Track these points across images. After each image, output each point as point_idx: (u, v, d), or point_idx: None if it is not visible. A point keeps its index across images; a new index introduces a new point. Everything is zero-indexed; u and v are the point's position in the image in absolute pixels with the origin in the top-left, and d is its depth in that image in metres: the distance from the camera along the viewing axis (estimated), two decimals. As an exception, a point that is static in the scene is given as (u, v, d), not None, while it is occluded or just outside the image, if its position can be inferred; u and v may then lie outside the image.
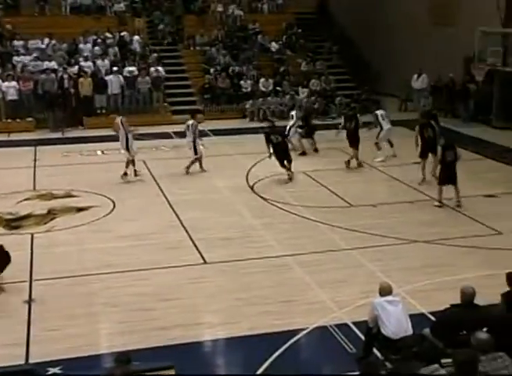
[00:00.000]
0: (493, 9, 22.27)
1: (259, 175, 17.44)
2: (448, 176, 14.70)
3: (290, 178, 17.02)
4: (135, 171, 17.36)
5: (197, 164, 17.82)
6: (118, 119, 17.55)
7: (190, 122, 17.76)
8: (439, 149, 14.99)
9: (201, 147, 18.01)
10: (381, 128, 18.80)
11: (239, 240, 12.97)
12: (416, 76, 25.88)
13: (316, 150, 19.90)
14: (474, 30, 22.44)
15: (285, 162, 17.15)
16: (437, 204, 14.83)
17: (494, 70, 22.65)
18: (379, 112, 19.32)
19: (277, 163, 17.17)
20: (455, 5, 25.24)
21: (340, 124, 19.01)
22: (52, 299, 10.51)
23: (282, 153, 17.23)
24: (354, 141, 18.22)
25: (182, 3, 30.06)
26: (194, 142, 17.56)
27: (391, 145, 19.29)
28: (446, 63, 24.70)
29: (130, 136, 17.27)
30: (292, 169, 17.16)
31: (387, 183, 16.92)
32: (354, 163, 18.16)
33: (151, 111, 24.75)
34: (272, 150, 17.22)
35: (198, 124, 17.79)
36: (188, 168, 17.62)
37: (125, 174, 17.08)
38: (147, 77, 24.59)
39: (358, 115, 18.95)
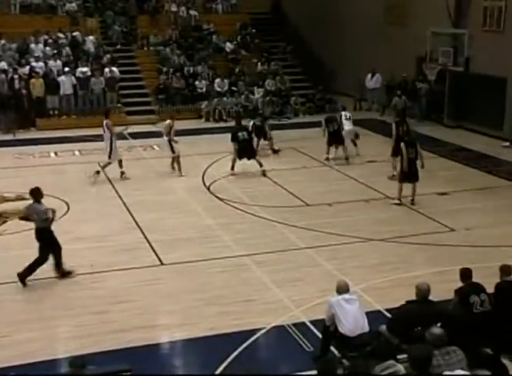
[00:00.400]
0: (444, 10, 22.64)
1: (215, 176, 17.42)
2: (408, 174, 14.93)
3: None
4: (122, 172, 17.35)
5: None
6: (104, 122, 17.45)
7: (166, 122, 17.77)
8: (402, 145, 15.19)
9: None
10: (342, 128, 18.98)
11: (197, 241, 12.93)
12: (369, 75, 26.19)
13: (275, 151, 19.89)
14: (426, 31, 22.80)
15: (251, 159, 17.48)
16: (396, 202, 15.03)
17: (445, 70, 23.04)
18: (343, 112, 19.55)
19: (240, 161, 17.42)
20: (408, 6, 25.59)
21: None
22: (5, 304, 10.33)
23: (248, 150, 17.44)
24: (340, 140, 18.78)
25: (136, 3, 29.81)
26: (170, 141, 17.52)
27: (355, 144, 19.45)
28: (399, 63, 25.04)
29: (114, 138, 17.31)
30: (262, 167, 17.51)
31: (343, 182, 17.06)
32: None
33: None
34: (237, 147, 17.39)
35: (174, 124, 17.74)
36: (172, 165, 17.73)
37: (98, 172, 17.12)
38: (101, 78, 24.33)
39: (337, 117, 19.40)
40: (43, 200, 11.27)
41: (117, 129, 17.67)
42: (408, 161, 14.81)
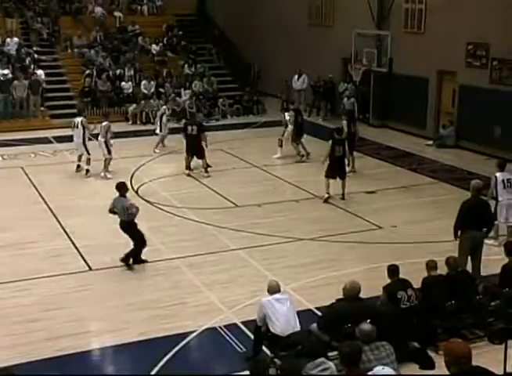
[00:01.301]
0: (368, 12, 23.07)
1: (143, 179, 17.24)
2: (335, 170, 15.22)
3: (206, 171, 17.41)
4: (87, 170, 17.52)
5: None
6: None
7: (104, 123, 17.48)
8: (330, 143, 15.45)
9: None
10: (287, 127, 19.18)
11: (125, 245, 12.72)
12: (296, 76, 26.41)
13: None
14: (351, 32, 23.19)
15: (195, 157, 17.49)
16: (325, 196, 15.25)
17: (369, 71, 23.49)
18: (288, 113, 19.70)
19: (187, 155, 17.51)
20: (331, 7, 25.95)
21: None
22: None
23: (193, 147, 17.41)
24: (300, 134, 19.11)
25: (58, 3, 29.20)
26: (106, 142, 17.30)
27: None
28: (325, 64, 25.36)
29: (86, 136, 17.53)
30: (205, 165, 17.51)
31: (272, 183, 17.15)
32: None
33: (28, 116, 23.87)
34: (184, 141, 17.52)
35: (110, 125, 17.55)
36: (106, 168, 17.40)
37: (78, 166, 17.72)
38: (24, 81, 23.66)
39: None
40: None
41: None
42: (334, 159, 15.28)
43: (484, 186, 11.62)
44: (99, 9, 29.00)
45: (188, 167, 17.62)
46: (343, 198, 15.34)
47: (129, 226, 11.73)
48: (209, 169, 17.58)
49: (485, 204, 10.89)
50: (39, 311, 10.08)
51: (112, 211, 11.91)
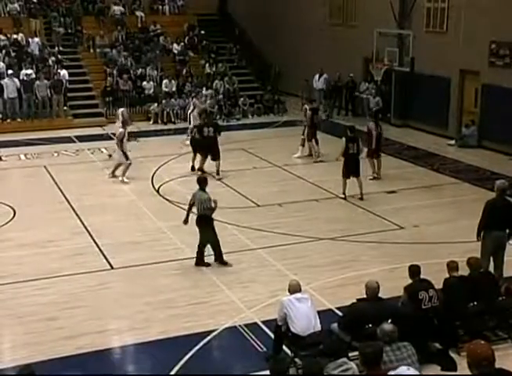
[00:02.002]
0: (389, 11, 22.96)
1: (164, 178, 17.29)
2: (349, 169, 15.20)
3: (218, 173, 17.26)
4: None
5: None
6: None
7: (120, 130, 17.28)
8: (343, 140, 15.42)
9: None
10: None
11: (147, 244, 12.82)
12: (317, 76, 26.36)
13: None
14: (373, 31, 23.09)
15: (210, 158, 17.39)
16: (341, 196, 15.24)
17: (391, 70, 23.38)
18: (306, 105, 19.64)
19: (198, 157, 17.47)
20: (353, 7, 25.88)
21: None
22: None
23: (209, 148, 17.34)
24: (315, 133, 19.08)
25: (81, 4, 29.41)
26: (123, 150, 16.99)
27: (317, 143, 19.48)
28: (346, 64, 25.29)
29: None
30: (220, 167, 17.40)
31: (293, 182, 17.12)
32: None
33: (51, 115, 24.05)
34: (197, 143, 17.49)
35: (126, 133, 17.27)
36: (124, 173, 17.04)
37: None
38: (45, 81, 23.84)
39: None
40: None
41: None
42: (348, 157, 15.31)
43: (509, 187, 11.47)
44: (117, 8, 29.09)
45: (200, 169, 17.41)
46: (361, 198, 15.27)
47: (205, 221, 11.61)
48: (229, 169, 17.59)
49: (510, 205, 10.76)
50: (60, 309, 10.14)
51: (190, 206, 11.91)
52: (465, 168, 18.32)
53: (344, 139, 15.51)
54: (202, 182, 11.92)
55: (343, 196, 15.32)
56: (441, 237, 12.89)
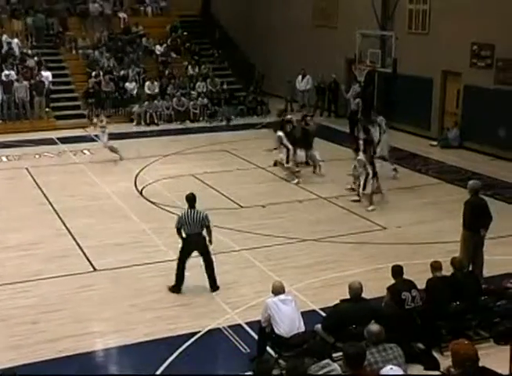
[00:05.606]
0: (372, 13, 23.04)
1: (147, 180, 17.24)
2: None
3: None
4: None
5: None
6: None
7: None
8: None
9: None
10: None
11: (130, 246, 12.77)
12: (300, 77, 26.42)
13: None
14: (356, 33, 23.17)
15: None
16: (355, 198, 15.29)
17: (374, 71, 23.47)
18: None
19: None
20: (335, 8, 25.94)
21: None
22: None
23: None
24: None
25: (63, 5, 29.22)
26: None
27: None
28: (329, 65, 25.36)
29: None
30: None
31: (276, 183, 17.13)
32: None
33: (33, 117, 23.90)
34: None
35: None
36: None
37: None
38: (25, 82, 23.62)
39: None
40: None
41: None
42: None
43: (484, 186, 11.58)
44: (95, 6, 28.91)
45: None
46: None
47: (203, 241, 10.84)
48: (212, 171, 17.58)
49: (485, 204, 10.85)
50: (42, 312, 10.08)
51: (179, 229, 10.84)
52: (447, 168, 18.44)
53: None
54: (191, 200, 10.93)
55: (358, 198, 15.26)
56: (424, 238, 12.96)
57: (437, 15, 21.09)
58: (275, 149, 18.50)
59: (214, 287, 10.86)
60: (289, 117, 19.14)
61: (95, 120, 20.11)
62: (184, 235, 10.79)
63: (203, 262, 10.88)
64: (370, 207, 14.75)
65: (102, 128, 19.30)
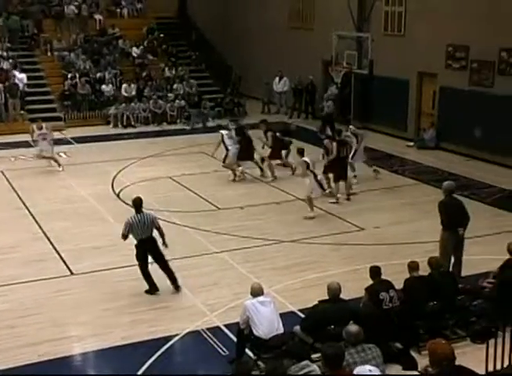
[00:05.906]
0: (348, 15, 23.14)
1: (125, 182, 17.16)
2: (340, 173, 15.39)
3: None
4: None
5: None
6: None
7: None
8: (334, 145, 15.54)
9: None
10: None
11: (107, 249, 12.69)
12: (277, 79, 26.49)
13: None
14: (332, 35, 23.26)
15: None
16: (333, 201, 15.30)
17: (350, 73, 23.58)
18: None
19: None
20: (311, 10, 26.04)
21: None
22: None
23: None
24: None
25: (38, 7, 28.98)
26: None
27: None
28: (306, 66, 25.43)
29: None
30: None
31: (254, 185, 17.14)
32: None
33: (7, 120, 23.68)
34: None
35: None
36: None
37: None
38: (-1, 84, 23.42)
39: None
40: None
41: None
42: (339, 160, 15.35)
43: (460, 187, 11.66)
44: (71, 8, 28.71)
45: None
46: (348, 199, 15.56)
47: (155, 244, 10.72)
48: (190, 173, 17.53)
49: (461, 204, 10.94)
50: (20, 316, 9.99)
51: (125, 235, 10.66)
52: (424, 169, 18.57)
53: (334, 143, 15.60)
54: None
55: (335, 200, 15.27)
56: (401, 238, 13.04)
57: (412, 17, 21.25)
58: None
59: (176, 287, 10.80)
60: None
61: (33, 126, 18.72)
62: (136, 241, 10.68)
63: (158, 265, 10.77)
64: (309, 215, 14.37)
65: (41, 135, 18.27)
